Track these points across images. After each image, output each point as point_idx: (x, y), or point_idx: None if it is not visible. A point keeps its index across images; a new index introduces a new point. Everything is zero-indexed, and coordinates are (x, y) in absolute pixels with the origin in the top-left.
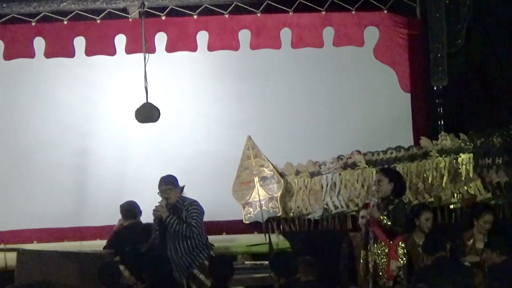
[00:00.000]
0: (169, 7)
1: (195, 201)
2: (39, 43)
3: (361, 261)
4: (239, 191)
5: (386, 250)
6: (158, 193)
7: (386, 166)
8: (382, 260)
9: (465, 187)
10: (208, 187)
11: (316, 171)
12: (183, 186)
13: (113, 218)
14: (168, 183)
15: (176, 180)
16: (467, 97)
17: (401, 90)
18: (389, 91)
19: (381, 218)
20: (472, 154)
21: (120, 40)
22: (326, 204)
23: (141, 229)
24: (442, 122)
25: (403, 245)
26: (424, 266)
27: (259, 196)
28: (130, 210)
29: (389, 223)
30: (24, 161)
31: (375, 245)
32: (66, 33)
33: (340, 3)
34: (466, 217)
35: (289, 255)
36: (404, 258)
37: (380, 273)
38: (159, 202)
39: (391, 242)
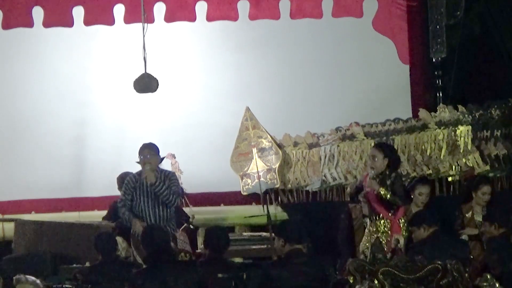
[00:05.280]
0: None
1: (174, 172)
2: (37, 13)
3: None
4: (237, 162)
5: (389, 225)
6: (137, 161)
7: (384, 137)
8: (384, 235)
9: (464, 160)
10: (206, 158)
11: (314, 142)
12: (163, 158)
13: (111, 189)
14: (151, 149)
15: (158, 148)
16: (466, 69)
17: (400, 62)
18: (387, 62)
19: (381, 190)
20: (470, 127)
21: (119, 10)
22: (324, 176)
23: None
24: (441, 94)
25: (404, 219)
26: (421, 239)
27: (257, 167)
28: None
29: (389, 195)
30: (22, 131)
31: (376, 220)
32: (65, 3)
33: None
34: (464, 190)
35: (299, 224)
36: (405, 232)
37: (385, 248)
38: (145, 168)
39: (392, 216)
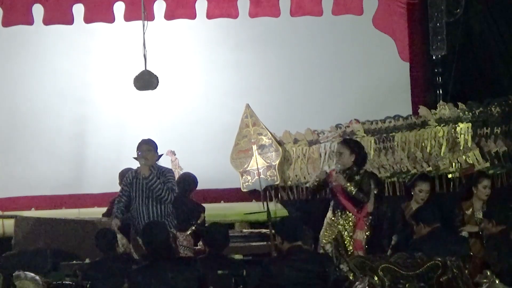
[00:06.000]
0: None
1: (171, 169)
2: (38, 10)
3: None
4: (237, 159)
5: (353, 221)
6: (135, 156)
7: (384, 134)
8: (347, 230)
9: (464, 157)
10: (206, 155)
11: (314, 139)
12: (161, 155)
13: (111, 185)
14: (149, 145)
15: (156, 145)
16: (466, 66)
17: (400, 59)
18: (388, 60)
19: (347, 185)
20: (470, 124)
21: (119, 7)
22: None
23: None
24: (441, 91)
25: (368, 217)
26: (421, 236)
27: (257, 164)
28: None
29: (354, 190)
30: (22, 128)
31: (341, 214)
32: (65, 0)
33: None
34: (465, 186)
35: (296, 221)
36: (368, 230)
37: (346, 243)
38: (140, 161)
39: (358, 213)
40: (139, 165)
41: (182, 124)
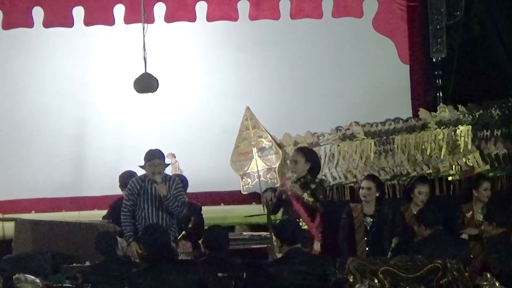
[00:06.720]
0: None
1: (177, 178)
2: (37, 13)
3: None
4: (237, 162)
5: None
6: (143, 165)
7: (384, 137)
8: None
9: (464, 159)
10: (206, 157)
11: (314, 142)
12: (168, 164)
13: (111, 188)
14: (160, 158)
15: (164, 155)
16: (466, 69)
17: (400, 62)
18: (388, 62)
19: (304, 195)
20: (470, 126)
21: (119, 10)
22: (325, 175)
23: None
24: (441, 94)
25: (320, 225)
26: (422, 238)
27: (257, 167)
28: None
29: (311, 199)
30: (22, 130)
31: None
32: (65, 3)
33: None
34: (465, 189)
35: (294, 223)
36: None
37: None
38: (156, 179)
39: (312, 222)
40: (144, 173)
41: (182, 126)
